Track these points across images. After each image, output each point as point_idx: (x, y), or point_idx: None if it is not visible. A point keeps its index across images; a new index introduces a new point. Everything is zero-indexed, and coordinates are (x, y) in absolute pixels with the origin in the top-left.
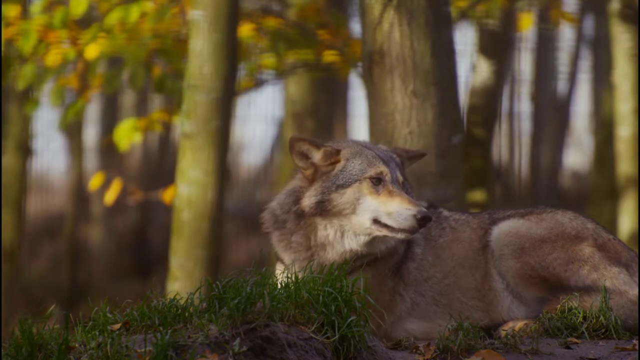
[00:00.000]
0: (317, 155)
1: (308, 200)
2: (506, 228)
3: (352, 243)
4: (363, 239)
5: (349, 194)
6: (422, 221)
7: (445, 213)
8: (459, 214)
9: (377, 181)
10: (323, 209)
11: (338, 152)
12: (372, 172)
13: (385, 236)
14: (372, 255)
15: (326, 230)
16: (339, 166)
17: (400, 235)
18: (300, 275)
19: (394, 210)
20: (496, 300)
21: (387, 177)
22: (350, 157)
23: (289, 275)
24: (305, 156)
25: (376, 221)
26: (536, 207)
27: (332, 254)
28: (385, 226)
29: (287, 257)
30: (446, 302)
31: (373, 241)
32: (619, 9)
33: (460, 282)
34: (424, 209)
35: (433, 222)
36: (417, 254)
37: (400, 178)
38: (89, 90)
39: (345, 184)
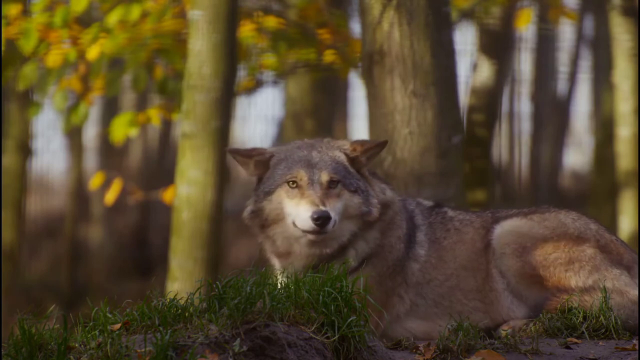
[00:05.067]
0: (251, 166)
1: (245, 211)
2: (508, 227)
3: (303, 248)
4: (304, 241)
5: (274, 200)
6: (318, 221)
7: (450, 213)
8: (464, 213)
9: (293, 184)
10: (259, 218)
11: (268, 160)
12: (288, 176)
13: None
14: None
15: (276, 240)
16: (267, 173)
17: (310, 237)
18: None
19: (299, 212)
20: (497, 301)
21: (304, 180)
22: (276, 163)
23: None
24: (245, 165)
25: (294, 224)
26: (539, 207)
27: (297, 262)
28: (299, 228)
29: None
30: (447, 304)
31: (316, 243)
32: (619, 4)
33: (461, 284)
34: (321, 209)
35: (438, 224)
36: (421, 256)
37: (325, 178)
38: (90, 92)
39: (270, 190)
